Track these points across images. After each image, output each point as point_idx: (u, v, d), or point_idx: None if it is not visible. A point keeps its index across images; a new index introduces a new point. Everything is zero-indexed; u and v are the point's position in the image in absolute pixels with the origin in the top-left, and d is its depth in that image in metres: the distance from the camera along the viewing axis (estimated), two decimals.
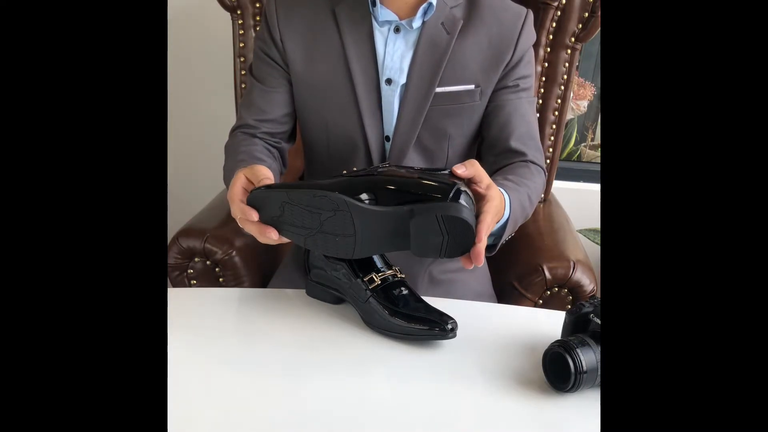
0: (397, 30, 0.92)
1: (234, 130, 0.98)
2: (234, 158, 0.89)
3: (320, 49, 0.93)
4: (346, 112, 0.93)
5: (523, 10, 0.96)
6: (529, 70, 0.97)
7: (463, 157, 0.99)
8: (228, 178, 0.87)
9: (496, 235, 0.80)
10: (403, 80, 0.92)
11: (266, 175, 0.76)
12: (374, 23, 0.92)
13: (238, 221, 0.78)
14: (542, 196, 0.97)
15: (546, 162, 1.32)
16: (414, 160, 0.96)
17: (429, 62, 0.92)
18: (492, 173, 0.94)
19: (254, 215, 0.75)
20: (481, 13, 0.93)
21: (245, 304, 0.87)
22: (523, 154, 0.94)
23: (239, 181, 0.77)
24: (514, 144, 0.94)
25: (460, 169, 0.71)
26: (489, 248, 0.80)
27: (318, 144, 0.99)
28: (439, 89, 0.92)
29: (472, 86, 0.93)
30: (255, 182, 0.76)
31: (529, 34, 0.95)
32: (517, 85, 0.95)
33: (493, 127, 0.96)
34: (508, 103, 0.95)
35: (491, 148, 0.97)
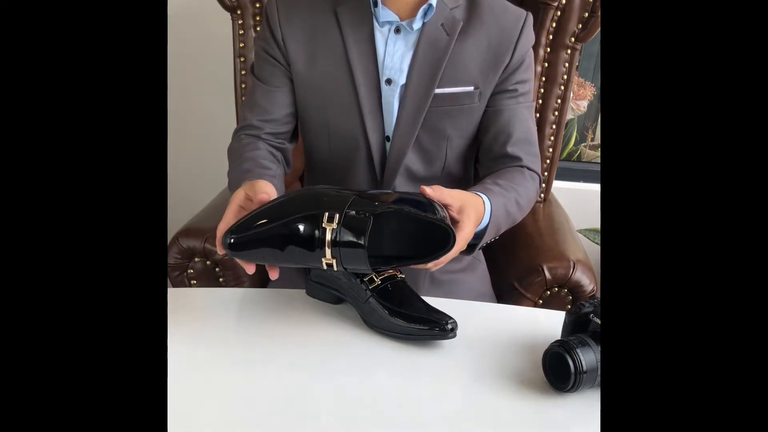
0: (397, 31, 0.92)
1: (237, 132, 0.98)
2: (239, 166, 0.89)
3: (322, 48, 0.93)
4: (347, 112, 0.93)
5: (522, 12, 0.96)
6: (528, 74, 0.97)
7: (462, 159, 0.99)
8: (233, 186, 0.86)
9: (476, 236, 0.82)
10: (402, 81, 0.92)
11: (265, 189, 0.75)
12: (375, 24, 0.92)
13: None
14: (535, 201, 0.98)
15: (546, 162, 1.32)
16: (412, 160, 0.96)
17: (428, 63, 0.92)
18: (485, 176, 0.95)
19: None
20: (480, 15, 0.93)
21: (245, 304, 0.87)
22: (518, 159, 0.95)
23: (237, 200, 0.76)
24: (510, 149, 0.95)
25: (428, 190, 0.73)
26: (468, 249, 0.83)
27: (319, 144, 0.99)
28: (438, 90, 0.92)
29: (471, 88, 0.93)
30: (253, 197, 0.74)
31: (528, 36, 0.95)
32: (516, 90, 0.95)
33: (491, 131, 0.96)
34: (507, 108, 0.95)
35: (487, 152, 0.97)
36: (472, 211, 0.76)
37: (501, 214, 0.83)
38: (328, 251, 0.68)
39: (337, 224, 0.67)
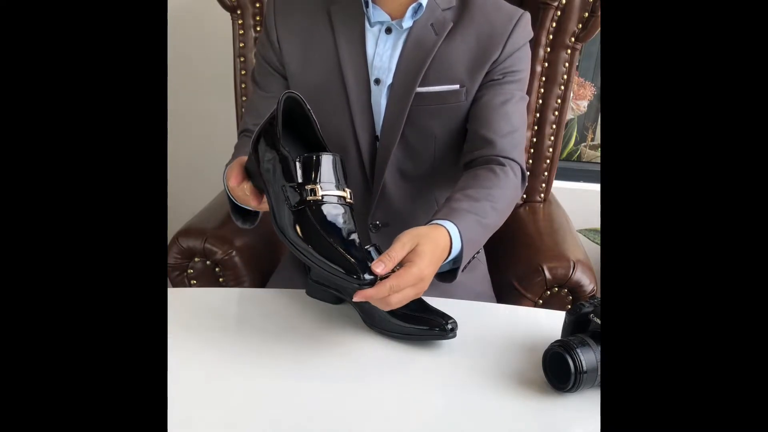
0: (388, 31, 0.93)
1: (239, 134, 1.01)
2: (241, 152, 0.90)
3: (315, 49, 0.94)
4: (338, 112, 0.94)
5: (517, 11, 0.95)
6: (518, 65, 0.95)
7: (454, 158, 0.98)
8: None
9: (454, 260, 0.79)
10: (390, 80, 0.92)
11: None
12: (366, 24, 0.92)
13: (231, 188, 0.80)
14: (521, 194, 0.94)
15: (546, 162, 1.33)
16: (400, 159, 0.96)
17: (413, 62, 0.92)
18: (462, 165, 0.94)
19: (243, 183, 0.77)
20: (472, 15, 0.93)
21: (245, 304, 0.87)
22: (491, 143, 0.90)
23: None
24: (484, 132, 0.91)
25: (378, 269, 0.68)
26: (450, 274, 0.80)
27: None
28: (422, 89, 0.92)
29: (456, 86, 0.93)
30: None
31: (521, 34, 0.94)
32: (503, 77, 0.93)
33: (472, 118, 0.94)
34: (487, 93, 0.93)
35: (467, 141, 0.95)
36: (428, 248, 0.72)
37: (475, 233, 0.80)
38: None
39: None
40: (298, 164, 0.71)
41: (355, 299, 0.68)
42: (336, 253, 0.67)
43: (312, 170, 0.71)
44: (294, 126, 0.78)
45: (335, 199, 0.72)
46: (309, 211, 0.70)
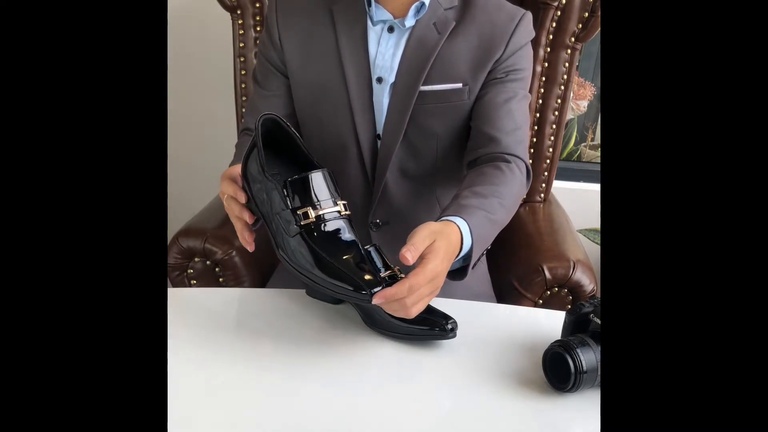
0: (391, 29, 0.93)
1: (240, 133, 1.02)
2: (242, 151, 0.91)
3: (316, 48, 0.94)
4: (339, 110, 0.94)
5: (519, 11, 0.95)
6: (521, 63, 0.95)
7: (457, 157, 0.99)
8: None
9: (465, 257, 0.79)
10: (392, 79, 0.93)
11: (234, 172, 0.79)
12: (369, 23, 0.93)
13: (223, 200, 0.80)
14: (526, 191, 0.95)
15: (546, 162, 1.32)
16: (402, 158, 0.96)
17: (416, 60, 0.92)
18: (466, 164, 0.94)
19: (242, 197, 0.76)
20: (474, 14, 0.93)
21: (245, 304, 0.87)
22: (495, 141, 0.91)
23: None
24: (488, 130, 0.91)
25: (408, 256, 0.68)
26: (460, 272, 0.80)
27: (313, 142, 0.99)
28: (425, 88, 0.92)
29: (459, 85, 0.93)
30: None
31: (523, 34, 0.94)
32: (505, 75, 0.94)
33: (475, 116, 0.94)
34: (491, 91, 0.93)
35: (471, 138, 0.95)
36: (443, 244, 0.72)
37: (485, 228, 0.80)
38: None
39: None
40: (286, 189, 0.70)
41: (375, 301, 0.67)
42: (341, 272, 0.67)
43: (304, 192, 0.70)
44: (278, 146, 0.77)
45: (334, 215, 0.70)
46: (308, 235, 0.69)
